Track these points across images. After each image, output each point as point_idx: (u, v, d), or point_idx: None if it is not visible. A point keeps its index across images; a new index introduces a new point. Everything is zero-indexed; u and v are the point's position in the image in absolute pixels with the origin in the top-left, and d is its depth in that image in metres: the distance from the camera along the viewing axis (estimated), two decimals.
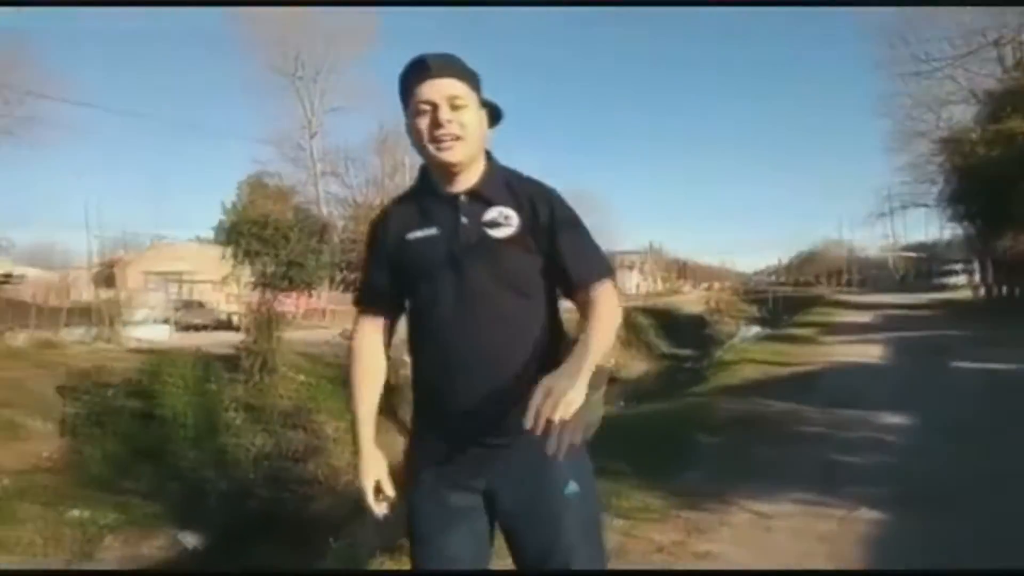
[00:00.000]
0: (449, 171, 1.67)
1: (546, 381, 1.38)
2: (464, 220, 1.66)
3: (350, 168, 32.02)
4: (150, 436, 10.93)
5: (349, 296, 29.08)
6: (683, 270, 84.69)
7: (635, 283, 64.14)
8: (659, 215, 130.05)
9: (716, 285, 73.75)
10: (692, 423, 6.75)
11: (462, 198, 1.68)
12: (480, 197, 1.68)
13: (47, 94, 19.10)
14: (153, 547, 9.24)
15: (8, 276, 26.31)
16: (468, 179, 1.70)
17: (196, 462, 10.93)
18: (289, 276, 26.89)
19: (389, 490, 1.73)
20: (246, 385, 12.57)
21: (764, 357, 12.22)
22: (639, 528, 3.95)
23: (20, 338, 18.09)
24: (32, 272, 27.55)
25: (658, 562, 3.49)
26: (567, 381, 1.37)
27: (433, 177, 1.72)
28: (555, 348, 1.68)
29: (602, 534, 1.74)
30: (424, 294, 1.69)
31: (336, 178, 32.06)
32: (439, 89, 1.62)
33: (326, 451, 11.93)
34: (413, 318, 1.76)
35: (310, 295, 25.70)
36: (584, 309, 1.64)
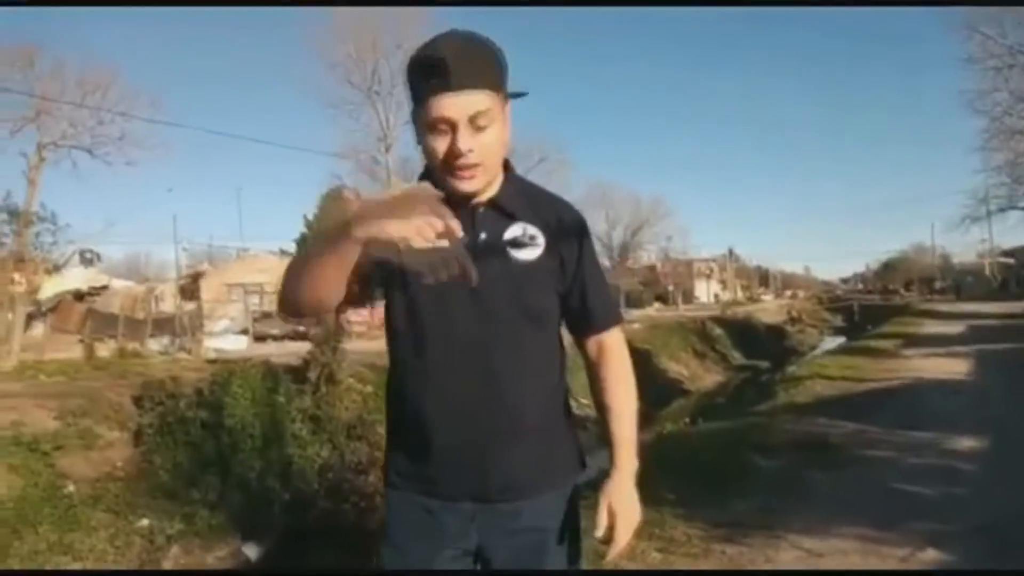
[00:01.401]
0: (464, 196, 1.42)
1: (611, 503, 1.48)
2: (483, 235, 1.43)
3: (414, 181, 32.37)
4: (218, 446, 11.18)
5: None
6: (764, 278, 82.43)
7: (712, 291, 62.75)
8: (740, 220, 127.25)
9: (799, 293, 71.52)
10: (749, 444, 6.41)
11: (480, 209, 1.45)
12: (501, 209, 1.46)
13: (136, 114, 19.84)
14: (216, 557, 9.42)
15: (102, 288, 27.64)
16: (491, 187, 1.47)
17: (261, 472, 11.12)
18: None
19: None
20: (313, 396, 12.74)
21: (838, 372, 11.63)
22: (675, 563, 3.72)
23: (107, 349, 18.97)
24: (120, 284, 28.89)
25: None
26: (631, 506, 1.52)
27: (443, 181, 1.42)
28: (563, 387, 1.60)
29: None
30: (426, 317, 1.42)
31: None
32: (460, 107, 1.32)
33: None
34: (401, 342, 1.47)
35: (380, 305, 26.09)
36: (594, 354, 1.61)
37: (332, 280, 1.28)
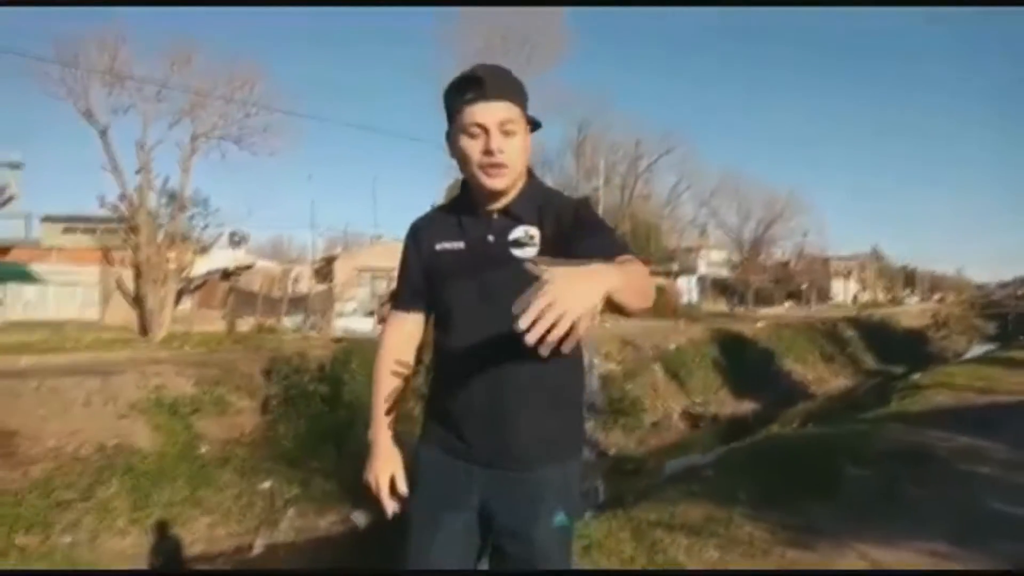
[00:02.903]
0: (492, 195, 1.68)
1: (556, 284, 1.19)
2: (491, 238, 1.68)
3: (546, 173, 32.67)
4: (335, 419, 11.88)
5: None
6: (910, 279, 77.28)
7: (850, 292, 59.51)
8: (885, 218, 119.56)
9: (948, 297, 66.59)
10: (846, 452, 6.19)
11: (494, 216, 1.70)
12: (511, 215, 1.69)
13: (280, 108, 21.16)
14: (328, 522, 10.05)
15: (247, 268, 29.70)
16: (506, 196, 1.70)
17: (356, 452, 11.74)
18: None
19: (402, 487, 1.81)
20: (426, 377, 13.30)
21: (965, 382, 10.88)
22: (731, 563, 3.73)
23: (246, 324, 20.44)
24: (264, 265, 30.93)
25: None
26: (579, 296, 1.20)
27: (473, 192, 1.72)
28: (571, 373, 1.75)
29: (570, 554, 1.78)
30: (446, 307, 1.74)
31: None
32: (492, 113, 1.59)
33: None
34: (436, 330, 1.81)
35: None
36: None
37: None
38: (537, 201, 1.71)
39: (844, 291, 60.31)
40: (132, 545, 8.51)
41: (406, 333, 1.90)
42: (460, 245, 1.71)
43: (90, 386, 10.27)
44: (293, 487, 10.31)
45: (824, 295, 55.45)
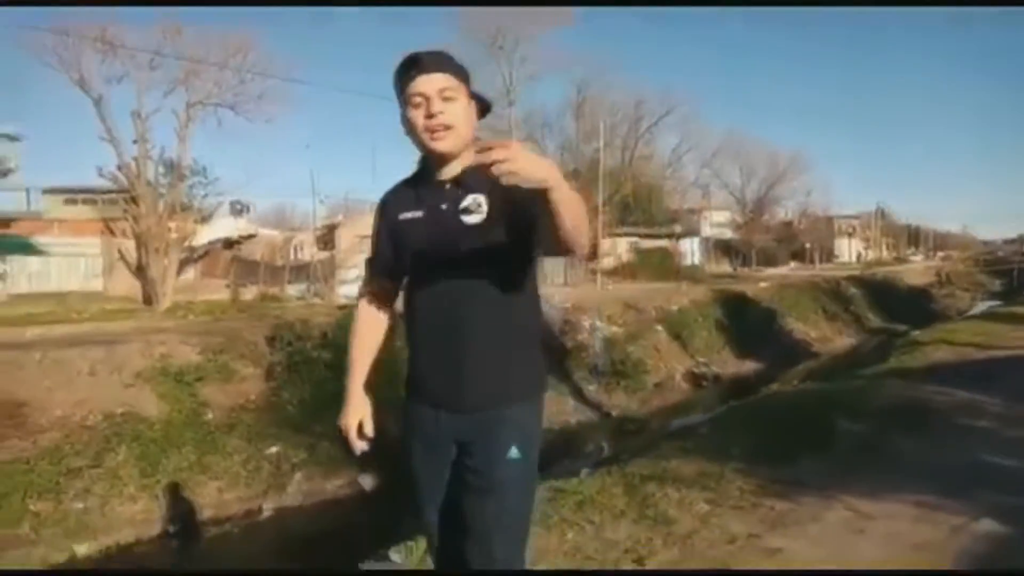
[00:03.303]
0: (442, 159, 1.82)
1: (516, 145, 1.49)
2: (444, 206, 1.82)
3: (546, 134, 32.48)
4: (339, 384, 11.97)
5: (542, 261, 29.78)
6: (915, 237, 76.98)
7: (854, 250, 59.34)
8: (890, 176, 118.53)
9: (953, 254, 66.41)
10: (839, 407, 6.26)
11: (447, 186, 1.84)
12: (461, 185, 1.82)
13: (275, 74, 20.99)
14: (335, 485, 10.22)
15: (250, 236, 29.74)
16: (456, 168, 1.83)
17: (377, 411, 11.87)
18: None
19: (369, 430, 2.00)
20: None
21: (966, 338, 10.93)
22: (720, 516, 3.80)
23: (250, 293, 20.54)
24: (266, 233, 30.96)
25: (724, 554, 3.36)
26: (532, 158, 1.48)
27: (430, 165, 1.87)
28: (528, 325, 1.92)
29: (532, 499, 1.93)
30: (411, 270, 1.90)
31: (534, 144, 32.61)
32: (431, 83, 1.76)
33: None
34: (405, 293, 1.96)
35: None
36: None
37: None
38: (488, 172, 1.74)
39: (848, 250, 60.12)
40: (142, 511, 8.70)
41: (378, 297, 2.04)
42: (419, 214, 1.86)
43: (95, 356, 10.39)
44: (300, 451, 10.47)
45: (828, 254, 55.31)
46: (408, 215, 1.88)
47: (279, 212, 49.57)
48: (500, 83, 31.10)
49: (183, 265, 19.72)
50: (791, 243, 50.65)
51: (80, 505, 8.34)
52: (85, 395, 9.70)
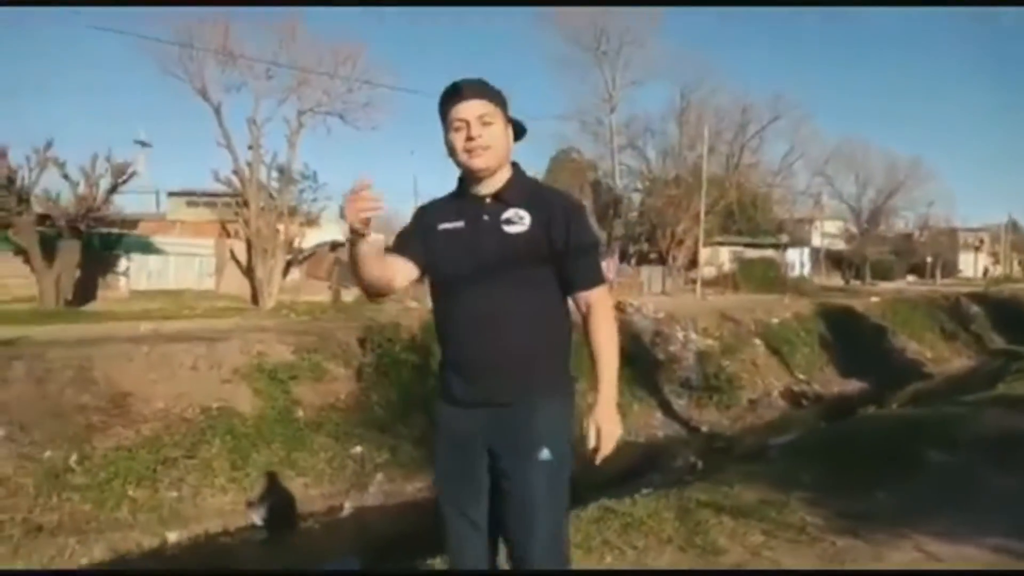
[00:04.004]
0: (479, 177, 2.01)
1: (596, 422, 1.94)
2: (486, 218, 2.00)
3: (648, 140, 31.98)
4: (424, 388, 12.21)
5: (640, 269, 29.44)
6: None
7: (980, 265, 55.46)
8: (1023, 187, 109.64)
9: None
10: (932, 435, 5.82)
11: (487, 200, 2.02)
12: (502, 200, 2.01)
13: (382, 83, 21.66)
14: (414, 487, 10.35)
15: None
16: (495, 184, 2.02)
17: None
18: None
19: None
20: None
21: None
22: (774, 549, 3.60)
23: (351, 294, 21.18)
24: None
25: None
26: (612, 425, 1.95)
27: (468, 184, 2.06)
28: (558, 326, 2.06)
29: (566, 499, 2.02)
30: (447, 277, 2.03)
31: (634, 151, 32.22)
32: (471, 109, 1.95)
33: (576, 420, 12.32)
34: (436, 297, 2.09)
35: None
36: (583, 309, 2.02)
37: (365, 268, 1.99)
38: (526, 190, 2.04)
39: (974, 265, 56.26)
40: (231, 502, 9.08)
41: (394, 259, 2.12)
42: (460, 224, 2.02)
43: (197, 352, 10.96)
44: (383, 452, 10.69)
45: (951, 269, 51.93)
46: (448, 225, 2.03)
47: (384, 216, 51.03)
48: (602, 88, 30.93)
49: (289, 266, 20.56)
50: (910, 256, 47.87)
51: (174, 494, 8.79)
52: (186, 388, 10.23)
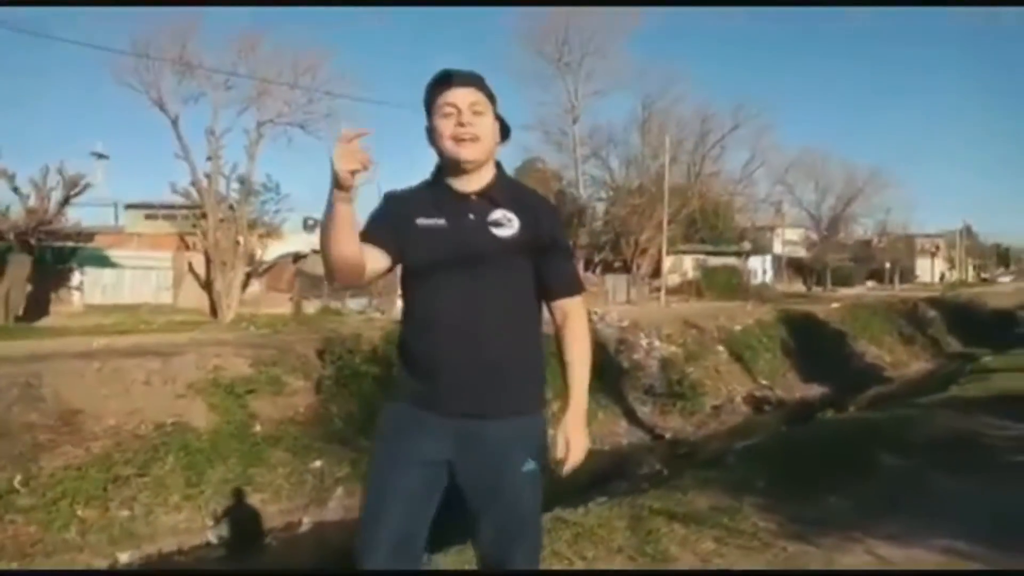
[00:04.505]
0: (463, 169, 1.86)
1: (565, 434, 1.85)
2: (471, 216, 1.86)
3: (611, 150, 32.18)
4: (385, 399, 12.08)
5: (604, 278, 29.56)
6: (1004, 257, 73.05)
7: (937, 271, 56.75)
8: (977, 193, 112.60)
9: None
10: (885, 438, 5.88)
11: (473, 197, 1.88)
12: (488, 198, 1.88)
13: (343, 93, 21.51)
14: None
15: (317, 251, 30.39)
16: (478, 181, 1.89)
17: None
18: None
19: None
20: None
21: None
22: (725, 555, 3.57)
23: (313, 306, 20.95)
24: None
25: None
26: (581, 436, 1.87)
27: (447, 175, 1.90)
28: (537, 333, 1.95)
29: (540, 509, 1.96)
30: (426, 277, 1.87)
31: (598, 160, 32.40)
32: (463, 96, 1.84)
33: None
34: (411, 299, 1.93)
35: None
36: (558, 317, 1.94)
37: (343, 235, 1.68)
38: (512, 191, 1.93)
39: (931, 270, 57.52)
40: (186, 520, 8.86)
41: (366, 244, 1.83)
42: (441, 222, 1.86)
43: (151, 367, 10.70)
44: (343, 466, 10.50)
45: (908, 274, 53.01)
46: (427, 221, 1.87)
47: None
48: (565, 99, 31.07)
49: (249, 278, 20.27)
50: (868, 263, 48.79)
51: (126, 512, 8.55)
52: (139, 404, 9.97)
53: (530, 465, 1.85)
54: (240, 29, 20.47)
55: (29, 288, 17.06)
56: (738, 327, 21.04)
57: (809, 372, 20.01)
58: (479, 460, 1.83)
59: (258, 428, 10.71)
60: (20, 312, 16.47)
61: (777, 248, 45.35)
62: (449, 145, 1.84)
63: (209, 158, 19.53)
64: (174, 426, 9.89)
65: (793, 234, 46.70)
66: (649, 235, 29.33)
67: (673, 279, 31.31)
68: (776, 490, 4.53)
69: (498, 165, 1.96)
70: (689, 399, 16.05)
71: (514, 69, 33.73)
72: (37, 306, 17.44)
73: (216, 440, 10.04)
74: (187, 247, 21.79)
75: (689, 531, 3.79)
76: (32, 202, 16.73)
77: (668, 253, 29.44)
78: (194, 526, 8.83)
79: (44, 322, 17.02)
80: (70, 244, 19.29)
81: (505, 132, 1.97)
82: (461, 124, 1.82)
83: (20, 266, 16.47)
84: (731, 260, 37.09)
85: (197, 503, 9.08)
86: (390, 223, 1.90)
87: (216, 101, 19.63)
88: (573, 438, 1.85)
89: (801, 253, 45.97)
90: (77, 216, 19.79)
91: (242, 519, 9.22)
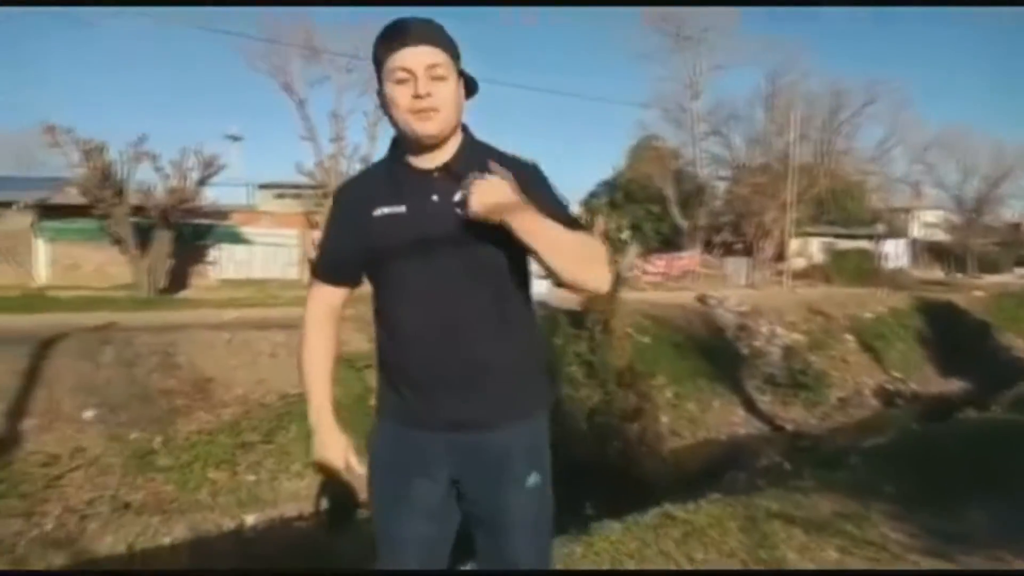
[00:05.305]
0: (424, 145, 1.59)
1: (482, 183, 1.50)
2: (435, 198, 1.59)
3: (733, 127, 30.99)
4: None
5: (724, 260, 28.58)
6: None
7: None
8: None
9: None
10: None
11: (435, 174, 1.61)
12: (454, 173, 1.59)
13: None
14: None
15: None
16: (442, 154, 1.61)
17: None
18: (661, 238, 27.44)
19: (357, 468, 1.76)
20: (588, 342, 13.20)
21: None
22: (851, 566, 3.30)
23: None
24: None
25: None
26: (492, 201, 1.49)
27: (405, 150, 1.63)
28: (530, 324, 1.72)
29: (551, 525, 1.73)
30: (390, 274, 1.64)
31: (719, 138, 31.29)
32: (418, 57, 1.53)
33: (653, 415, 12.05)
34: (378, 299, 1.70)
35: (681, 257, 25.84)
36: None
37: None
38: (479, 157, 1.61)
39: None
40: (306, 487, 9.23)
41: (330, 307, 1.80)
42: (401, 209, 1.60)
43: (276, 339, 11.20)
44: None
45: None
46: (386, 210, 1.60)
47: None
48: (685, 75, 30.14)
49: None
50: (1018, 248, 44.87)
51: (252, 477, 9.01)
52: (265, 375, 10.47)
53: (535, 479, 1.64)
54: (361, 13, 20.94)
55: (170, 263, 18.29)
56: (869, 315, 19.90)
57: (947, 365, 18.68)
58: (477, 476, 1.63)
59: (373, 402, 11.00)
60: (162, 284, 17.69)
61: (914, 231, 42.50)
62: (406, 120, 1.55)
63: (333, 139, 20.23)
64: (297, 396, 10.31)
65: (932, 216, 43.58)
66: (773, 216, 28.13)
67: (798, 263, 29.92)
68: (908, 497, 4.18)
69: (464, 129, 1.66)
70: (813, 390, 15.34)
71: (630, 45, 33.03)
72: (177, 279, 18.69)
73: (338, 411, 10.40)
74: (313, 225, 22.70)
75: (809, 538, 3.54)
76: (173, 182, 17.86)
77: (793, 235, 28.16)
78: (313, 493, 9.19)
79: (183, 294, 18.22)
80: (207, 222, 20.50)
81: (471, 88, 1.65)
82: (418, 95, 1.52)
83: (163, 242, 17.66)
84: (862, 243, 35.05)
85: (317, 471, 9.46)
86: (343, 236, 1.69)
87: (339, 84, 20.31)
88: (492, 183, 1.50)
89: (941, 237, 42.85)
90: (214, 195, 21.07)
91: (355, 489, 9.52)
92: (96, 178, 16.37)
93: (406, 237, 1.58)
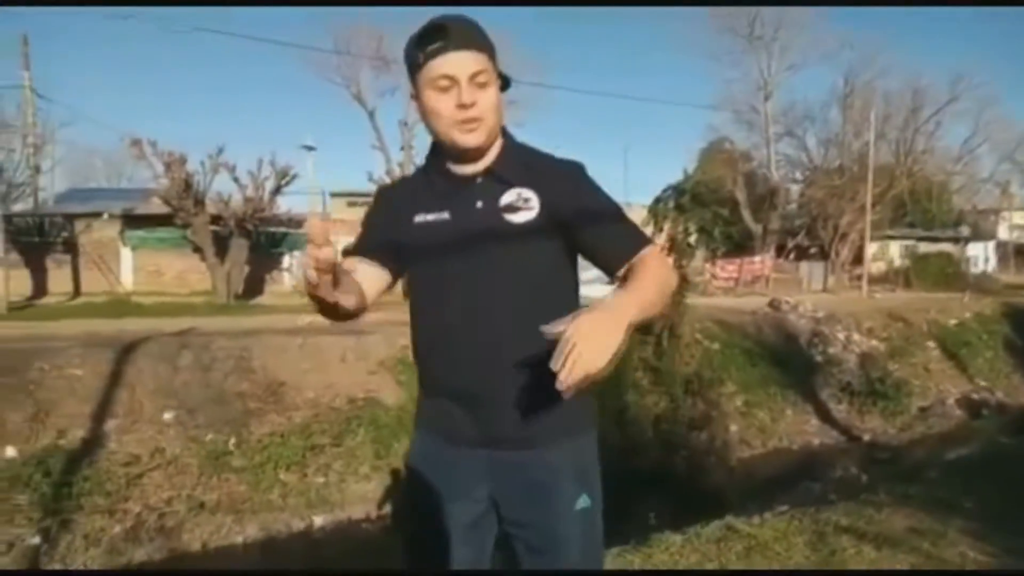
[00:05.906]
0: (468, 153, 1.54)
1: (579, 330, 1.18)
2: (479, 204, 1.53)
3: (808, 128, 30.16)
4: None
5: (799, 265, 27.80)
6: None
7: None
8: None
9: None
10: None
11: (478, 179, 1.56)
12: (498, 177, 1.54)
13: (523, 79, 21.84)
14: None
15: None
16: (484, 160, 1.56)
17: (600, 415, 11.77)
18: (732, 242, 26.88)
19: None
20: (655, 348, 13.01)
21: None
22: None
23: None
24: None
25: None
26: (598, 345, 1.18)
27: (446, 155, 1.58)
28: None
29: (601, 551, 1.64)
30: (429, 279, 1.59)
31: (792, 139, 30.51)
32: (462, 63, 1.46)
33: (722, 423, 11.79)
34: (417, 307, 1.65)
35: (752, 261, 25.25)
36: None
37: (339, 307, 1.38)
38: (522, 160, 1.57)
39: None
40: (373, 489, 9.40)
41: (362, 267, 1.58)
42: (444, 216, 1.55)
43: (346, 344, 11.44)
44: None
45: None
46: (428, 217, 1.55)
47: None
48: (756, 75, 29.52)
49: None
50: None
51: (321, 479, 9.22)
52: (334, 379, 10.71)
53: (584, 502, 1.54)
54: (424, 14, 21.34)
55: (247, 269, 18.92)
56: (952, 321, 19.05)
57: None
58: (520, 497, 1.53)
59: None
60: (239, 290, 18.31)
61: (1002, 234, 40.51)
62: (451, 132, 1.48)
63: (402, 148, 20.55)
64: (365, 400, 10.52)
65: (1021, 218, 41.49)
66: (850, 219, 27.22)
67: (877, 267, 28.90)
68: (991, 514, 3.97)
69: (504, 132, 1.59)
70: (892, 399, 14.73)
71: (699, 45, 32.57)
72: (253, 286, 19.32)
73: (402, 415, 10.56)
74: None
75: (880, 555, 3.40)
76: (249, 191, 18.46)
77: (872, 238, 27.19)
78: (380, 496, 9.36)
79: (258, 300, 18.82)
80: (282, 230, 21.11)
81: (505, 85, 1.58)
82: (463, 104, 1.44)
83: (239, 249, 18.29)
84: (946, 247, 33.59)
85: (383, 474, 9.61)
86: (385, 229, 1.62)
87: (408, 93, 20.56)
88: (589, 323, 1.20)
89: None
90: (289, 204, 21.68)
91: None
92: (177, 188, 17.07)
93: (449, 243, 1.53)
